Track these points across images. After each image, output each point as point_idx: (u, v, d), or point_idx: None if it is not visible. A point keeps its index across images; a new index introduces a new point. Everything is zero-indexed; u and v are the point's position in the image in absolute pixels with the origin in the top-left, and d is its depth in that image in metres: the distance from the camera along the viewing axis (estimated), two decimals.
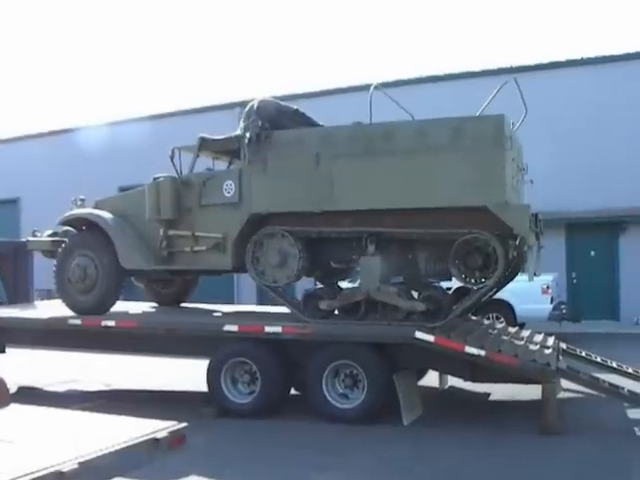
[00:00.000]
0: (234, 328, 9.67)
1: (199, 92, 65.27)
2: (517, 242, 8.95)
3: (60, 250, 11.23)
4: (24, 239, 14.18)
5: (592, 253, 22.17)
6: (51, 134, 32.17)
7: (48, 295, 20.32)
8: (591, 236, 21.79)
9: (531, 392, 9.53)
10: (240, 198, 10.10)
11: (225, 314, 11.40)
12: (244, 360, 9.71)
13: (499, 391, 10.76)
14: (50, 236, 11.88)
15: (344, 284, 11.49)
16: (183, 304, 12.93)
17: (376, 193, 9.24)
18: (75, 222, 11.51)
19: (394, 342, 9.28)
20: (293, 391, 10.23)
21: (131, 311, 11.41)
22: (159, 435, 4.44)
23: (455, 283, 11.08)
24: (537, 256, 9.60)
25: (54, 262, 11.32)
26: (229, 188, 10.20)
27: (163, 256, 10.75)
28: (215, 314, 11.40)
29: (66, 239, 11.38)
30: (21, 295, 13.76)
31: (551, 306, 16.79)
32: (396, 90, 23.11)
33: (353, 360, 9.24)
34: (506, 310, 16.31)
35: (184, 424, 4.71)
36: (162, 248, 10.71)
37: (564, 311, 17.47)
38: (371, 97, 9.48)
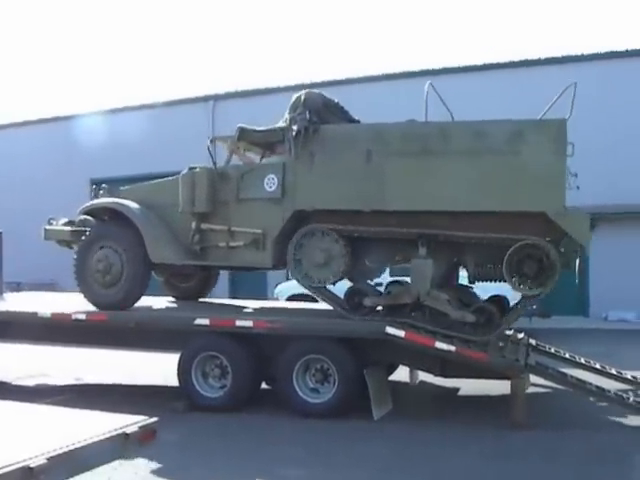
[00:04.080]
0: (205, 322, 9.62)
1: (174, 84, 64.96)
2: (561, 248, 8.86)
3: (82, 241, 10.76)
4: None
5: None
6: (21, 125, 31.95)
7: (18, 288, 20.20)
8: None
9: (500, 387, 9.61)
10: (283, 193, 9.79)
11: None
12: (215, 354, 9.68)
13: (469, 386, 10.84)
14: (66, 225, 11.35)
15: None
16: (202, 299, 12.65)
17: (430, 194, 8.99)
18: (98, 212, 11.05)
19: (365, 337, 9.32)
20: (264, 385, 10.23)
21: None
22: (129, 430, 4.42)
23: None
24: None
25: (73, 253, 10.87)
26: (271, 182, 9.85)
27: (195, 250, 10.41)
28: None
29: (87, 229, 10.85)
30: None
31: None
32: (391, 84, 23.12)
33: (324, 355, 9.26)
34: None
35: (155, 419, 4.70)
36: (194, 242, 10.38)
37: (534, 307, 17.61)
38: (427, 95, 9.26)
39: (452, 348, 8.77)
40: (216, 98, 27.83)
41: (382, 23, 65.60)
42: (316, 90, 10.22)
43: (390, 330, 8.91)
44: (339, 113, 10.29)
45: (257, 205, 10.00)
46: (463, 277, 10.77)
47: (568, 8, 57.86)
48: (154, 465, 6.93)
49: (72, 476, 4.05)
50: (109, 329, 10.43)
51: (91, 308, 10.48)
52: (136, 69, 71.30)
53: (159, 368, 11.61)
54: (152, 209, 10.65)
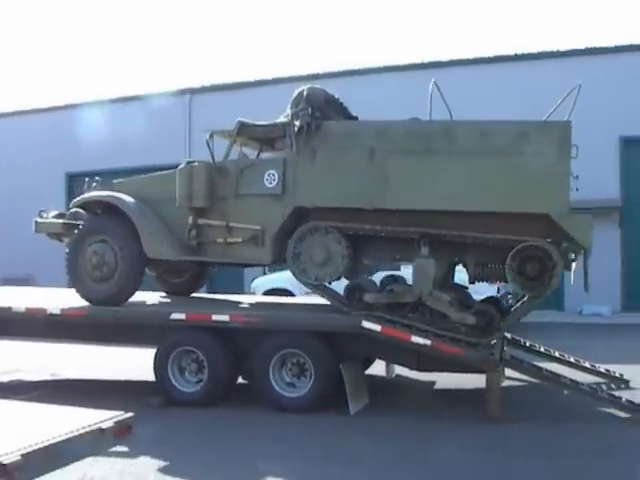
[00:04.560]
0: (182, 316, 9.60)
1: (150, 77, 64.65)
2: (560, 249, 8.86)
3: (74, 234, 10.51)
4: None
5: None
6: None
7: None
8: None
9: (476, 381, 9.68)
10: (284, 189, 9.66)
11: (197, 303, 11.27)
12: (191, 349, 9.66)
13: (445, 380, 10.91)
14: (56, 217, 11.06)
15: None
16: (194, 294, 12.51)
17: (434, 193, 8.94)
18: (90, 205, 10.78)
19: (341, 331, 9.35)
20: (241, 380, 10.24)
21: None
22: (105, 425, 4.42)
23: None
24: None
25: (65, 247, 10.64)
26: (271, 178, 9.72)
27: (191, 246, 10.24)
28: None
29: (79, 222, 10.57)
30: None
31: (497, 296, 16.98)
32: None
33: (300, 349, 9.27)
34: None
35: (130, 414, 4.70)
36: (191, 238, 10.20)
37: (510, 301, 17.69)
38: (432, 94, 9.22)
39: (428, 342, 8.82)
40: (193, 91, 27.72)
41: (377, 14, 65.55)
42: (318, 85, 10.07)
43: (366, 324, 8.95)
44: (339, 109, 10.19)
45: (256, 201, 9.88)
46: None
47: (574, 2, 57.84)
48: (130, 460, 6.92)
49: (47, 472, 4.05)
50: (85, 324, 10.33)
51: (66, 304, 10.38)
52: (112, 62, 70.89)
53: (135, 363, 11.57)
54: (146, 203, 10.48)
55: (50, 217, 11.13)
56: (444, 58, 24.05)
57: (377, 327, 8.93)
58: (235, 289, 18.53)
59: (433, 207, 9.03)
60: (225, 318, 9.46)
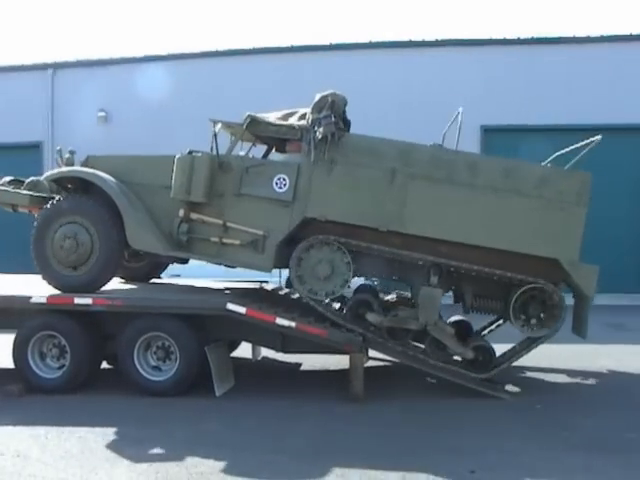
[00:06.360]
0: (42, 300, 9.32)
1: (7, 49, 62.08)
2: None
3: (44, 212, 9.59)
4: None
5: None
6: None
7: None
8: None
9: (342, 361, 9.87)
10: (294, 197, 9.29)
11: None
12: (53, 333, 9.42)
13: (311, 361, 11.11)
14: (11, 184, 10.09)
15: None
16: (153, 280, 11.92)
17: (450, 224, 8.97)
18: (62, 180, 10.00)
19: (206, 313, 9.34)
20: (105, 365, 10.09)
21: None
22: None
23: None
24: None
25: (34, 225, 9.64)
26: (281, 183, 9.31)
27: (180, 241, 9.64)
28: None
29: (51, 196, 9.71)
30: None
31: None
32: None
33: (165, 332, 9.20)
34: None
35: None
36: (181, 232, 9.58)
37: (375, 282, 18.02)
38: (460, 123, 9.28)
39: (292, 324, 8.97)
40: (56, 66, 26.70)
41: None
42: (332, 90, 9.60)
43: (231, 306, 8.99)
44: (342, 114, 9.78)
45: (261, 204, 9.45)
46: None
47: None
48: None
49: None
50: None
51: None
52: None
53: None
54: (127, 185, 9.82)
55: (5, 183, 10.24)
56: (430, 37, 24.21)
57: (242, 309, 8.98)
58: None
59: (446, 237, 9.07)
60: (88, 301, 9.25)
